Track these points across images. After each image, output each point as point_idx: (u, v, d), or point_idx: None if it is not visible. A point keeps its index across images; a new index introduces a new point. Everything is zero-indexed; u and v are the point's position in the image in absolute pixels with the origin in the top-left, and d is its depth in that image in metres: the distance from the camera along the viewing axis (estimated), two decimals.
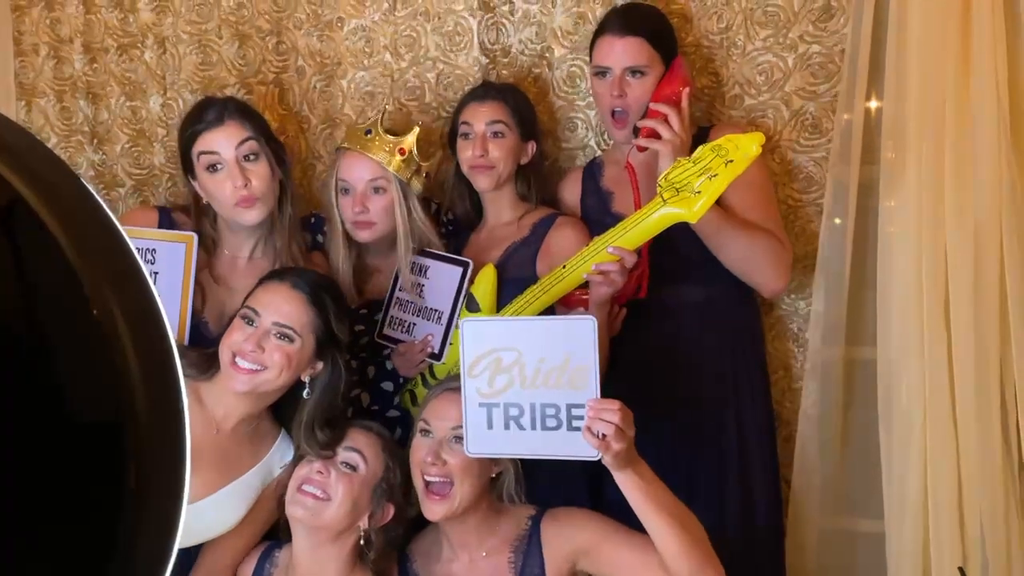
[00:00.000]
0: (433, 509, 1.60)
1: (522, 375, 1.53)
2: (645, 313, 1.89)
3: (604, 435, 1.43)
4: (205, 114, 1.88)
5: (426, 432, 1.65)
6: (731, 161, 1.60)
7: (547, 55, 2.17)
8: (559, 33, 2.15)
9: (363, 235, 1.97)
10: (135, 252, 0.47)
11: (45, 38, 2.37)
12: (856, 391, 1.97)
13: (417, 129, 1.97)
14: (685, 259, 1.87)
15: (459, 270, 1.91)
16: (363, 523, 1.64)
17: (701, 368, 1.91)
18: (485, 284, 1.92)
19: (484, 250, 2.03)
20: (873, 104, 1.95)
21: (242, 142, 1.85)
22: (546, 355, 1.52)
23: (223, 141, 1.84)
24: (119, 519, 0.44)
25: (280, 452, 1.77)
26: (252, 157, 1.86)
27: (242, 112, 1.89)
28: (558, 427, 1.52)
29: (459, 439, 1.60)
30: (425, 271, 1.95)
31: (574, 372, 1.50)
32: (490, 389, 1.55)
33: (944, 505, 1.72)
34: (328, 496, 1.62)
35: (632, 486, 1.46)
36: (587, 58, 2.12)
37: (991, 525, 1.71)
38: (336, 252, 2.00)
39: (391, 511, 1.67)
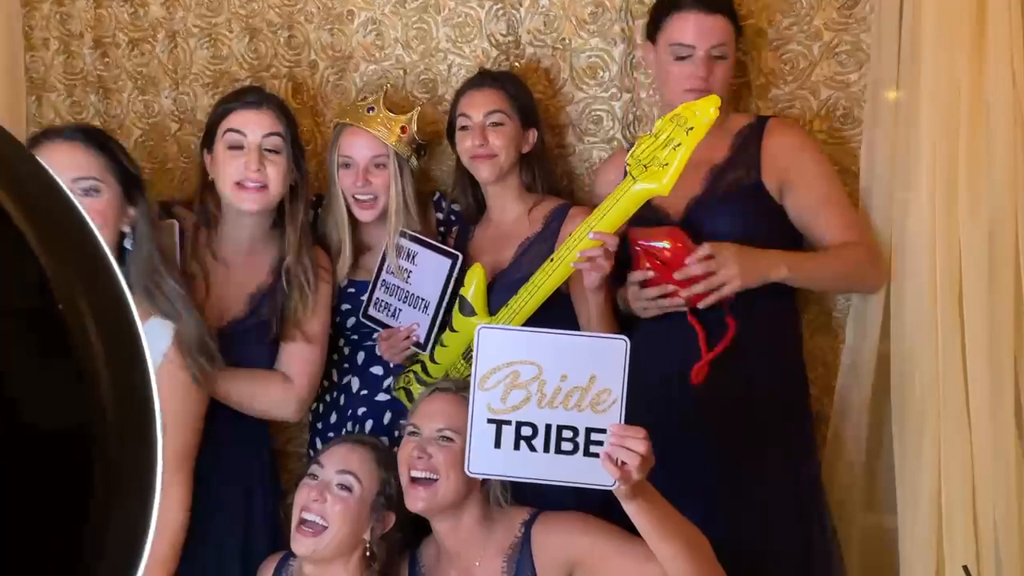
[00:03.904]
0: (417, 498, 1.69)
1: (541, 392, 1.53)
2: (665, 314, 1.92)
3: (624, 464, 1.45)
4: (246, 95, 2.06)
5: (414, 433, 1.76)
6: (691, 128, 1.71)
7: (559, 45, 2.28)
8: (575, 22, 2.26)
9: (366, 215, 2.15)
10: (106, 248, 0.48)
11: (55, 32, 2.51)
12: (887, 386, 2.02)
13: (419, 109, 2.16)
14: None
15: (448, 262, 2.05)
16: (366, 535, 1.77)
17: (732, 370, 1.90)
18: (476, 285, 2.03)
19: (494, 248, 2.14)
20: (891, 95, 2.05)
21: (270, 134, 2.00)
22: (569, 373, 1.51)
23: (253, 125, 2.00)
24: (84, 528, 0.44)
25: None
26: (273, 151, 2.01)
27: (280, 108, 2.06)
28: (573, 451, 1.51)
29: (445, 439, 1.71)
30: (413, 256, 2.10)
31: (598, 394, 1.50)
32: (502, 405, 1.55)
33: (957, 501, 1.82)
34: (327, 522, 1.74)
35: (642, 514, 1.49)
36: (608, 48, 2.23)
37: (1005, 522, 1.81)
38: (337, 225, 2.17)
39: (392, 519, 1.80)
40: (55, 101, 2.54)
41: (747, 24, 2.16)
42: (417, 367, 2.13)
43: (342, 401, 2.25)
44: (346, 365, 2.26)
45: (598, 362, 1.51)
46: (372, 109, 2.14)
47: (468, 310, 2.04)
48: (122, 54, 2.48)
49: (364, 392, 2.22)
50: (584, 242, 1.85)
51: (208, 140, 2.07)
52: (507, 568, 1.69)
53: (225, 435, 2.04)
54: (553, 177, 2.23)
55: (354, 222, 2.19)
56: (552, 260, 1.91)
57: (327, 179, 2.22)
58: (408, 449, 1.73)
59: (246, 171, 1.98)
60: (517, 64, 2.29)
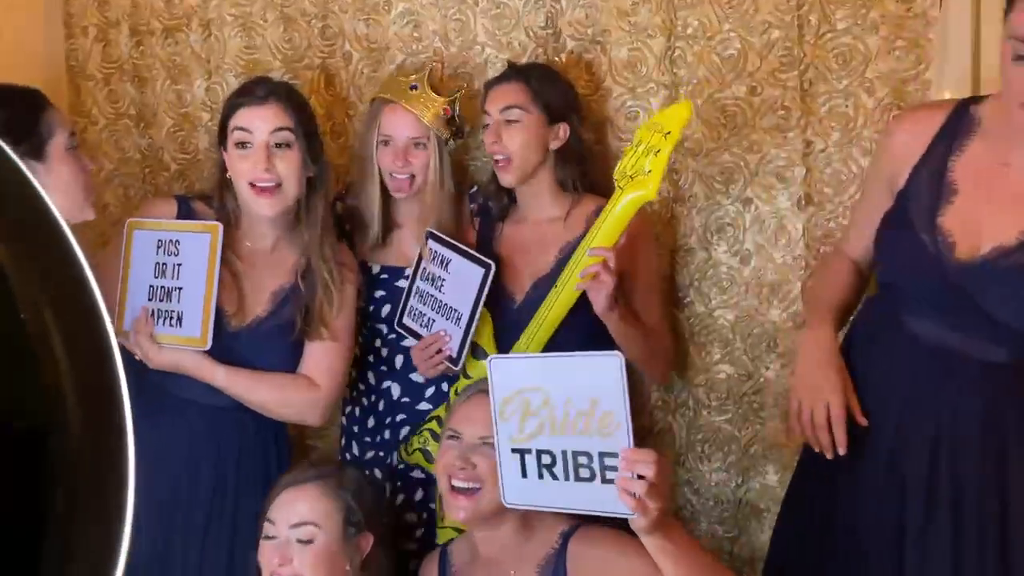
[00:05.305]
0: (458, 507, 1.66)
1: (551, 418, 1.50)
2: (920, 364, 1.67)
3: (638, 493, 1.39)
4: (252, 89, 2.02)
5: (454, 437, 1.72)
6: (668, 133, 1.73)
7: (600, 39, 2.23)
8: (616, 13, 2.21)
9: (401, 193, 2.13)
10: (78, 252, 0.46)
11: (94, 20, 2.52)
12: None
13: (463, 91, 2.15)
14: (990, 318, 1.60)
15: (480, 271, 1.97)
16: (348, 568, 1.72)
17: (1001, 449, 1.62)
18: (487, 333, 2.01)
19: (531, 250, 2.09)
20: (947, 95, 1.96)
21: (278, 129, 1.96)
22: (572, 396, 1.48)
23: (259, 122, 1.96)
24: (42, 550, 0.42)
25: None
26: (283, 146, 1.97)
27: (289, 99, 2.01)
28: (591, 478, 1.48)
29: (489, 444, 1.65)
30: (446, 264, 2.05)
31: (602, 417, 1.45)
32: (521, 434, 1.54)
33: None
34: None
35: (663, 553, 1.44)
36: (647, 42, 2.18)
37: None
38: (370, 203, 2.16)
39: (369, 540, 1.75)
40: (92, 89, 2.56)
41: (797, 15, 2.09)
42: (432, 424, 2.09)
43: (381, 407, 2.22)
44: (383, 368, 2.22)
45: (596, 382, 1.45)
46: (416, 87, 2.12)
47: (482, 355, 2.01)
48: (156, 42, 2.49)
49: (405, 400, 2.19)
50: (583, 261, 1.83)
51: (222, 137, 2.04)
52: None
53: (244, 434, 2.06)
54: (591, 175, 2.15)
55: (386, 200, 2.17)
56: (556, 286, 1.90)
57: (360, 160, 2.19)
58: (450, 456, 1.69)
59: (255, 171, 1.96)
60: (557, 59, 2.24)
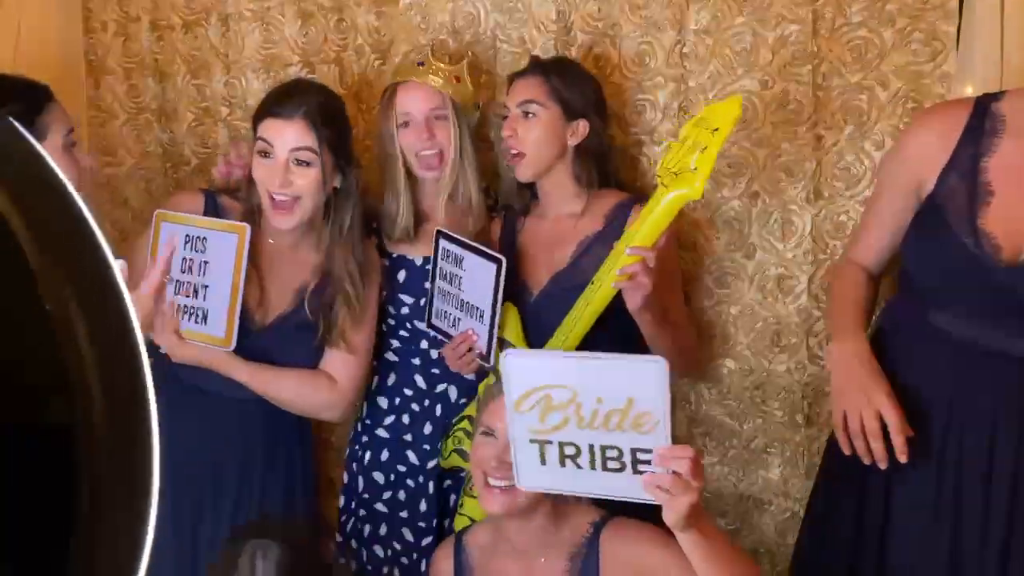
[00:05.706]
0: (493, 501, 1.67)
1: (578, 415, 1.48)
2: (957, 364, 1.67)
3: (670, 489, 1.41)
4: (286, 101, 1.99)
5: (488, 434, 1.71)
6: (716, 129, 1.68)
7: (610, 32, 2.23)
8: (627, 8, 2.21)
9: (431, 173, 2.11)
10: (104, 244, 0.46)
11: (113, 15, 2.56)
12: None
13: (470, 58, 2.14)
14: None
15: (493, 267, 1.95)
16: None
17: None
18: (514, 327, 2.00)
19: (550, 244, 2.09)
20: (969, 90, 1.95)
21: (299, 147, 1.96)
22: (605, 396, 1.46)
23: (282, 137, 1.95)
24: (67, 549, 0.41)
25: None
26: (303, 163, 1.97)
27: (321, 115, 1.97)
28: (621, 469, 1.48)
29: None
30: (460, 261, 2.03)
31: (638, 416, 1.44)
32: (542, 426, 1.51)
33: None
34: None
35: (695, 547, 1.46)
36: (657, 36, 2.19)
37: None
38: (395, 192, 2.13)
39: None
40: (113, 84, 2.60)
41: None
42: (464, 423, 2.09)
43: (439, 411, 2.19)
44: (435, 370, 2.19)
45: (634, 385, 1.45)
46: (423, 63, 2.10)
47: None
48: (176, 37, 2.52)
49: (463, 401, 2.18)
50: (622, 259, 1.80)
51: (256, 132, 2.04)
52: (571, 569, 1.68)
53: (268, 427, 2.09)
54: (610, 171, 2.14)
55: (412, 188, 2.15)
56: (593, 283, 1.88)
57: (383, 154, 2.16)
58: (485, 454, 1.70)
59: (273, 183, 1.96)
60: (566, 52, 2.24)
